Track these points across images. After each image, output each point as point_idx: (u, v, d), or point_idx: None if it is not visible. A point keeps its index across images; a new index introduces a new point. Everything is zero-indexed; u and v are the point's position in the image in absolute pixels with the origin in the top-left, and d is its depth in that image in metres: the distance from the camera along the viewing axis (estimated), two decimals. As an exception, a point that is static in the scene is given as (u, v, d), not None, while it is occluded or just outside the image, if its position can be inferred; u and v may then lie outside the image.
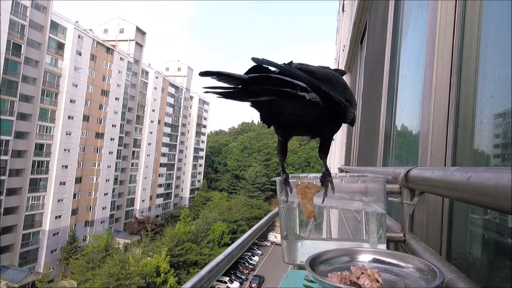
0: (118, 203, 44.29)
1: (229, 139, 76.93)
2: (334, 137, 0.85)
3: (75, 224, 36.52)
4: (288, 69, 0.60)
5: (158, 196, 52.74)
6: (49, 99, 34.13)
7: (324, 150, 0.86)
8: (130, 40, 46.97)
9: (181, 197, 61.41)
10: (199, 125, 66.82)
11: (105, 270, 27.13)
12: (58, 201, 34.40)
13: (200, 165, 67.43)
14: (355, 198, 1.02)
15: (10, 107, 29.75)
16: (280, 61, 0.65)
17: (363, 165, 3.32)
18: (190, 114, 64.65)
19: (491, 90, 0.91)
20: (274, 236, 47.88)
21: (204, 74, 0.55)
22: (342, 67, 7.11)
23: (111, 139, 41.69)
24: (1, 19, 27.28)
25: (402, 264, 0.71)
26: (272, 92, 0.56)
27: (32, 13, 31.40)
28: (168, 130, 55.40)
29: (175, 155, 57.50)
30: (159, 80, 52.42)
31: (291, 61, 0.70)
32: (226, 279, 33.60)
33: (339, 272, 0.66)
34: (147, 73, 50.67)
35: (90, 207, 38.92)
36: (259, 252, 43.70)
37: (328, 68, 0.83)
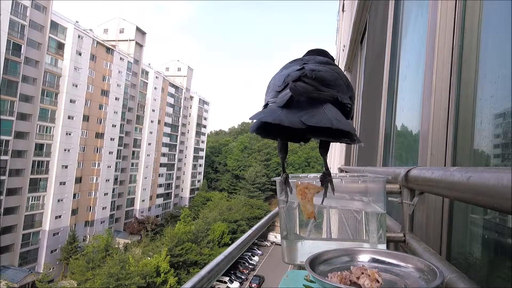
0: (118, 203, 44.28)
1: (229, 139, 76.92)
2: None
3: (75, 224, 36.52)
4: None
5: (158, 196, 52.74)
6: (49, 99, 34.13)
7: (324, 147, 0.87)
8: (130, 40, 46.97)
9: (181, 197, 61.41)
10: (199, 125, 66.82)
11: (105, 270, 27.14)
12: (58, 201, 34.40)
13: (200, 165, 67.44)
14: (355, 198, 1.02)
15: (10, 107, 29.75)
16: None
17: (363, 165, 3.31)
18: (190, 114, 64.65)
19: (491, 90, 0.91)
20: (274, 236, 47.87)
21: (260, 127, 0.58)
22: (342, 67, 7.11)
23: (111, 139, 41.69)
24: (1, 19, 27.28)
25: (402, 264, 0.71)
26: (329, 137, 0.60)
27: (32, 13, 31.40)
28: (168, 130, 55.40)
29: (175, 155, 57.50)
30: (159, 80, 52.43)
31: (303, 67, 0.71)
32: (226, 279, 33.61)
33: (339, 272, 0.66)
34: (147, 73, 50.68)
35: (90, 207, 38.92)
36: (259, 252, 43.69)
37: (328, 60, 0.83)
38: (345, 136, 0.58)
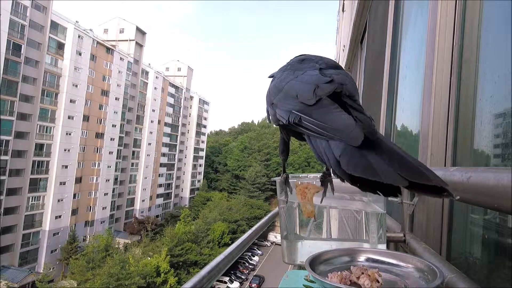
0: (118, 203, 44.28)
1: (229, 139, 76.92)
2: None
3: (75, 224, 36.52)
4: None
5: (158, 196, 52.75)
6: (49, 99, 34.13)
7: None
8: (130, 40, 46.97)
9: (181, 197, 61.41)
10: (199, 125, 66.83)
11: (105, 270, 27.13)
12: (58, 201, 34.40)
13: (200, 165, 67.44)
14: (355, 198, 1.02)
15: (10, 107, 29.75)
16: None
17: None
18: (190, 114, 64.65)
19: (491, 90, 0.91)
20: (274, 236, 47.85)
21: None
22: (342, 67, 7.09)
23: (111, 139, 41.69)
24: (1, 19, 27.28)
25: (402, 264, 0.71)
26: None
27: (32, 13, 31.40)
28: (168, 130, 55.40)
29: (175, 155, 57.51)
30: (159, 80, 52.43)
31: (332, 79, 0.66)
32: (226, 279, 33.60)
33: (339, 272, 0.66)
34: (147, 73, 50.68)
35: (90, 207, 38.92)
36: (259, 252, 43.68)
37: (336, 63, 0.81)
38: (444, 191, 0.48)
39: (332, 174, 0.90)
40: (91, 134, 39.07)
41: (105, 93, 40.70)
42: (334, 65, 0.78)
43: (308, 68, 0.75)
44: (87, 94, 37.95)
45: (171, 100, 56.12)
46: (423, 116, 1.29)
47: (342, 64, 7.14)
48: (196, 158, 65.43)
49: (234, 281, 34.22)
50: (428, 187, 0.47)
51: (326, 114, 0.59)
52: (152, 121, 50.71)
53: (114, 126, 42.15)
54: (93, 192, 39.29)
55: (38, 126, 32.83)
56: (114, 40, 45.39)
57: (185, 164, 62.33)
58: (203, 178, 67.93)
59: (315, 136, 0.59)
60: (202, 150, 68.26)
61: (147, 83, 50.36)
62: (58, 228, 34.30)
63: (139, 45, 48.57)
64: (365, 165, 0.49)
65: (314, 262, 0.71)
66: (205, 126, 70.50)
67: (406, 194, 1.06)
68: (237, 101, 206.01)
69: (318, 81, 0.66)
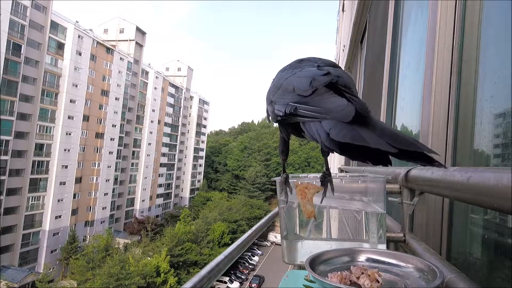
0: (118, 203, 44.27)
1: (229, 139, 76.91)
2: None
3: (75, 224, 36.52)
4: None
5: (158, 196, 52.74)
6: (49, 99, 34.13)
7: None
8: (130, 40, 46.96)
9: (181, 197, 61.41)
10: (199, 125, 66.83)
11: (105, 270, 27.14)
12: (58, 201, 34.39)
13: (200, 165, 67.44)
14: (355, 198, 1.02)
15: (10, 107, 29.74)
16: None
17: (363, 165, 3.31)
18: (190, 114, 64.65)
19: (491, 90, 0.91)
20: (274, 236, 47.87)
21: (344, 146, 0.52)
22: (342, 67, 7.09)
23: (111, 139, 41.68)
24: (1, 19, 27.28)
25: (402, 264, 0.71)
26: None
27: (32, 13, 31.39)
28: (168, 130, 55.40)
29: (175, 155, 57.51)
30: (159, 80, 52.43)
31: (329, 72, 0.67)
32: (226, 279, 33.61)
33: (339, 272, 0.66)
34: (147, 73, 50.68)
35: (90, 207, 38.92)
36: (259, 252, 43.69)
37: (335, 63, 0.82)
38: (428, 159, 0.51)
39: (322, 152, 0.89)
40: (91, 134, 39.06)
41: (105, 93, 40.69)
42: (333, 64, 0.79)
43: (307, 66, 0.77)
44: (87, 94, 37.94)
45: (171, 100, 56.11)
46: (423, 116, 1.29)
47: (342, 64, 7.14)
48: (196, 158, 65.43)
49: (234, 281, 34.22)
50: (418, 156, 0.50)
51: (321, 100, 0.61)
52: (152, 121, 50.71)
53: (114, 126, 42.14)
54: (93, 192, 39.28)
55: (38, 126, 32.82)
56: (114, 40, 45.37)
57: (185, 164, 62.32)
58: (203, 178, 67.94)
59: (309, 121, 0.61)
60: (202, 150, 68.26)
61: (147, 83, 50.36)
62: (58, 228, 34.29)
63: (139, 45, 48.56)
64: (353, 134, 0.51)
65: (314, 262, 0.71)
66: (205, 126, 70.50)
67: (406, 194, 1.06)
68: (237, 101, 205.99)
69: (315, 75, 0.68)
